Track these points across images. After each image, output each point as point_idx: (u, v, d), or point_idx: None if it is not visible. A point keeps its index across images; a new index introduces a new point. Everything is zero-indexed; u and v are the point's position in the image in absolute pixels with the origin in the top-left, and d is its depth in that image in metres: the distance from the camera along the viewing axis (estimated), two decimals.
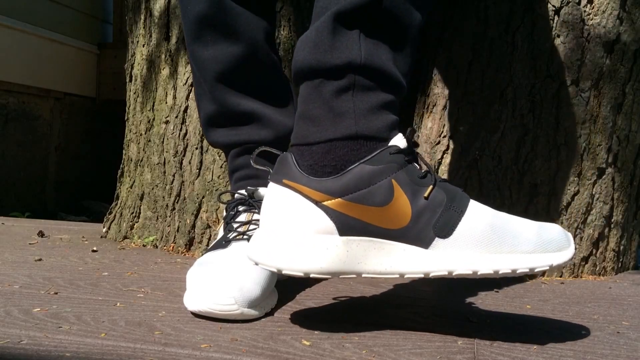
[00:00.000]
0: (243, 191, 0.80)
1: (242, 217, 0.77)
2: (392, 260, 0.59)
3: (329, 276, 0.59)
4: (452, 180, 0.95)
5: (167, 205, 1.13)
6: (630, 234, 1.05)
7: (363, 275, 0.60)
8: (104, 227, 1.30)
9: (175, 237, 1.11)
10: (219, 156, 1.06)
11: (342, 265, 0.59)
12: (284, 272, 0.59)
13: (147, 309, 0.69)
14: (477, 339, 0.61)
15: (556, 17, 0.93)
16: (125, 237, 1.22)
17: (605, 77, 0.95)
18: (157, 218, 1.17)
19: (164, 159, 1.15)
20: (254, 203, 0.78)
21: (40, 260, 0.97)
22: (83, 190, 2.91)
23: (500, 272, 0.58)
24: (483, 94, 0.95)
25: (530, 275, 0.95)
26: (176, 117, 1.12)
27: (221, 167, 1.06)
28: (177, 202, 1.11)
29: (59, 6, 2.76)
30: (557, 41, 0.93)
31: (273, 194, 0.61)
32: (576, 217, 0.97)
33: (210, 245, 0.79)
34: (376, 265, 0.59)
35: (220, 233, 0.79)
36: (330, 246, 0.59)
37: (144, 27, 1.21)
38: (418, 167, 0.62)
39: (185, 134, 1.11)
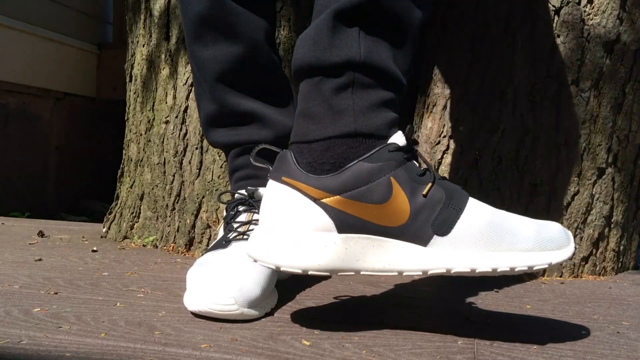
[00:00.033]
0: (243, 191, 0.80)
1: (242, 217, 0.77)
2: (391, 258, 0.59)
3: (328, 273, 0.59)
4: (452, 180, 0.95)
5: (167, 205, 1.13)
6: (630, 234, 1.05)
7: (362, 273, 0.60)
8: (104, 227, 1.30)
9: (175, 237, 1.11)
10: (219, 156, 1.06)
11: (340, 262, 0.59)
12: (282, 269, 0.59)
13: (147, 309, 0.69)
14: (477, 339, 0.61)
15: (556, 17, 0.93)
16: (125, 237, 1.22)
17: (605, 77, 0.95)
18: (157, 218, 1.17)
19: (164, 159, 1.15)
20: (254, 203, 0.78)
21: (40, 260, 0.97)
22: (83, 190, 2.90)
23: (498, 270, 0.58)
24: (483, 94, 0.95)
25: (530, 275, 0.95)
26: (176, 117, 1.12)
27: (221, 167, 1.06)
28: (177, 202, 1.11)
29: (59, 6, 2.76)
30: (557, 41, 0.93)
31: (272, 191, 0.61)
32: (576, 217, 0.97)
33: (210, 245, 0.79)
34: (375, 262, 0.59)
35: (220, 233, 0.79)
36: (329, 243, 0.59)
37: (144, 27, 1.21)
38: (417, 164, 0.62)
39: (185, 134, 1.11)
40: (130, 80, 1.28)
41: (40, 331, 0.59)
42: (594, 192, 0.97)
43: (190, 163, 1.10)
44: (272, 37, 0.83)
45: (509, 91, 0.94)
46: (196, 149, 1.09)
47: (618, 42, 0.94)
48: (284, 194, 0.60)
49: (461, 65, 0.96)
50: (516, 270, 0.58)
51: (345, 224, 0.59)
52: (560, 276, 0.97)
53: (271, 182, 0.62)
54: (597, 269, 0.99)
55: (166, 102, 1.14)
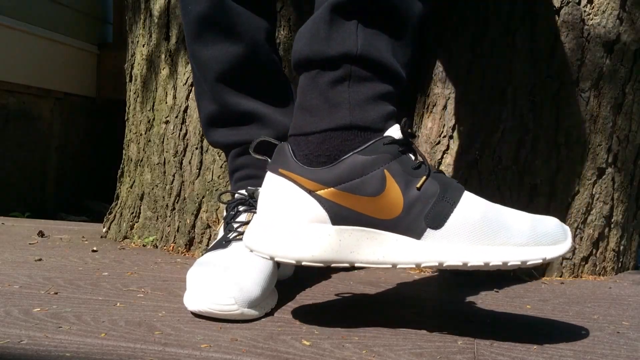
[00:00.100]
0: (243, 191, 0.80)
1: (243, 217, 0.77)
2: (385, 251, 0.59)
3: (322, 264, 0.60)
4: None
5: (167, 205, 1.13)
6: (630, 234, 1.05)
7: (356, 265, 0.60)
8: (104, 227, 1.30)
9: (175, 237, 1.11)
10: (219, 156, 1.06)
11: (334, 254, 0.59)
12: (276, 259, 0.60)
13: (147, 309, 0.69)
14: (477, 339, 0.60)
15: (556, 17, 0.93)
16: (125, 237, 1.22)
17: (605, 77, 0.95)
18: (157, 218, 1.17)
19: (164, 159, 1.15)
20: (254, 203, 0.78)
21: (40, 260, 0.97)
22: (83, 190, 2.90)
23: (491, 264, 0.58)
24: (483, 94, 0.95)
25: (530, 275, 0.95)
26: (176, 117, 1.12)
27: (221, 167, 1.06)
28: (177, 202, 1.11)
29: (59, 6, 2.76)
30: (557, 41, 0.93)
31: (269, 183, 0.62)
32: (576, 217, 0.97)
33: (210, 245, 0.79)
34: (369, 254, 0.60)
35: (220, 233, 0.79)
36: (323, 235, 0.59)
37: (143, 27, 1.21)
38: (413, 158, 0.62)
39: (185, 134, 1.11)
40: (130, 80, 1.28)
41: (40, 331, 0.59)
42: (594, 192, 0.97)
43: (190, 163, 1.10)
44: (273, 37, 0.83)
45: (509, 91, 0.94)
46: (196, 149, 1.09)
47: (618, 42, 0.94)
48: (280, 185, 0.61)
49: (461, 65, 0.96)
50: (509, 264, 0.58)
51: (339, 216, 0.60)
52: (560, 276, 0.97)
53: (269, 174, 0.63)
54: (597, 269, 0.99)
55: (166, 102, 1.14)
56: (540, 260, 0.58)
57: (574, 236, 0.97)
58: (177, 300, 0.72)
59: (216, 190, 1.06)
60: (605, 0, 0.93)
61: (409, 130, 0.62)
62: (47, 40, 2.65)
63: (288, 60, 1.02)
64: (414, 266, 0.59)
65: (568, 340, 0.61)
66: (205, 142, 1.07)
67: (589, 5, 0.93)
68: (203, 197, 1.08)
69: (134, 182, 1.24)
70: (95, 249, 1.11)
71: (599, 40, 0.93)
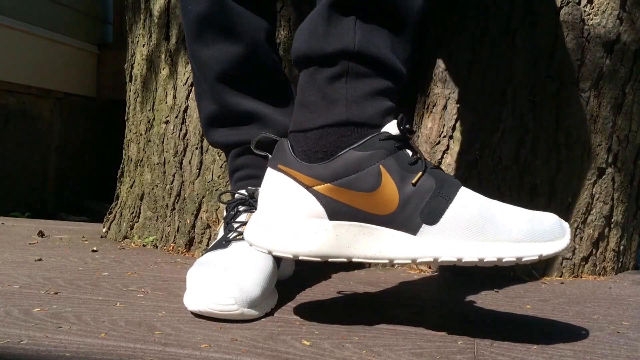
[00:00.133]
0: (243, 191, 0.80)
1: (243, 217, 0.77)
2: (381, 246, 0.60)
3: (319, 259, 0.60)
4: None
5: (167, 205, 1.13)
6: (630, 234, 1.05)
7: (353, 260, 0.61)
8: (104, 227, 1.30)
9: (175, 237, 1.11)
10: (219, 156, 1.06)
11: (331, 249, 0.60)
12: (274, 253, 0.61)
13: (147, 309, 0.69)
14: (477, 339, 0.60)
15: (556, 17, 0.93)
16: (125, 237, 1.22)
17: (605, 77, 0.95)
18: (157, 218, 1.17)
19: (164, 159, 1.15)
20: (254, 203, 0.78)
21: (40, 260, 0.97)
22: (83, 190, 2.91)
23: (485, 260, 0.57)
24: (483, 94, 0.95)
25: (530, 275, 0.95)
26: (176, 117, 1.12)
27: (221, 167, 1.06)
28: (177, 202, 1.11)
29: (59, 6, 2.76)
30: (557, 41, 0.93)
31: (269, 179, 0.63)
32: (576, 217, 0.97)
33: (210, 245, 0.79)
34: (366, 250, 0.60)
35: (221, 233, 0.79)
36: (320, 230, 0.60)
37: (143, 27, 1.21)
38: (410, 153, 0.62)
39: (185, 134, 1.11)
40: (130, 80, 1.28)
41: (40, 331, 0.59)
42: (594, 192, 0.97)
43: (190, 163, 1.10)
44: (273, 37, 0.83)
45: (509, 91, 0.94)
46: (196, 149, 1.09)
47: (618, 42, 0.94)
48: (279, 181, 0.62)
49: (461, 65, 0.96)
50: (504, 261, 0.57)
51: (336, 211, 0.60)
52: (560, 276, 0.97)
53: (268, 170, 0.64)
54: (597, 269, 0.99)
55: (166, 102, 1.14)
56: (536, 257, 0.57)
57: (574, 236, 0.97)
58: (177, 300, 0.72)
59: (216, 190, 1.06)
60: (605, 0, 0.93)
61: (407, 126, 0.62)
62: (47, 40, 2.65)
63: (288, 60, 1.02)
64: (409, 262, 0.60)
65: (568, 340, 0.61)
66: (205, 142, 1.07)
67: (589, 5, 0.93)
68: (203, 197, 1.08)
69: (134, 182, 1.24)
70: (95, 249, 1.11)
71: (599, 40, 0.93)
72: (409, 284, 0.88)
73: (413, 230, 0.59)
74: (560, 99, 0.94)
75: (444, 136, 0.97)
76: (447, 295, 0.82)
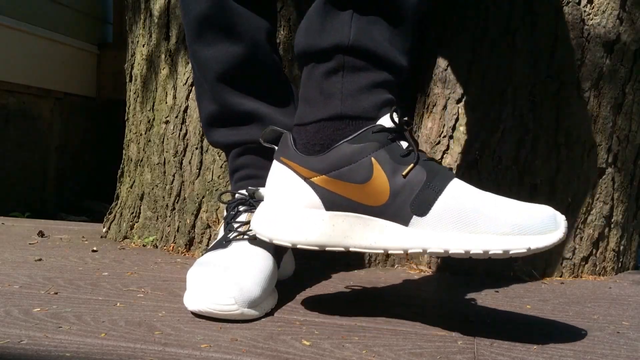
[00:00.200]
0: (244, 191, 0.80)
1: (243, 217, 0.77)
2: (376, 236, 0.61)
3: (317, 248, 0.62)
4: None
5: (167, 205, 1.13)
6: (630, 234, 1.05)
7: (350, 249, 0.62)
8: (104, 227, 1.30)
9: (175, 237, 1.11)
10: (219, 156, 1.06)
11: (328, 238, 0.62)
12: (274, 242, 0.64)
13: (147, 309, 0.69)
14: (477, 338, 0.61)
15: (556, 17, 0.93)
16: (125, 237, 1.22)
17: (605, 77, 0.95)
18: (157, 218, 1.17)
19: (164, 159, 1.15)
20: (254, 203, 0.78)
21: (40, 260, 0.97)
22: (83, 190, 2.91)
23: (471, 253, 0.57)
24: (483, 94, 0.95)
25: (530, 275, 0.95)
26: (176, 117, 1.12)
27: (221, 167, 1.06)
28: (177, 202, 1.11)
29: (59, 6, 2.76)
30: (557, 41, 0.93)
31: (273, 170, 0.66)
32: (576, 217, 0.97)
33: (211, 245, 0.79)
34: (361, 240, 0.62)
35: (221, 233, 0.79)
36: (317, 220, 0.62)
37: (143, 27, 1.21)
38: (405, 145, 0.62)
39: (185, 134, 1.11)
40: (130, 80, 1.28)
41: (40, 331, 0.59)
42: (594, 192, 0.97)
43: (190, 163, 1.10)
44: (273, 37, 0.83)
45: (509, 91, 0.94)
46: (196, 149, 1.09)
47: (618, 42, 0.94)
48: (280, 172, 0.65)
49: (461, 65, 0.96)
50: (490, 253, 0.56)
51: (332, 202, 0.62)
52: (560, 276, 0.97)
53: (274, 162, 0.67)
54: (597, 269, 0.99)
55: (166, 102, 1.14)
56: (524, 250, 0.56)
57: (574, 236, 0.97)
58: (177, 300, 0.72)
59: (216, 190, 1.06)
60: (605, 0, 0.93)
61: (404, 118, 0.62)
62: (47, 40, 2.65)
63: (288, 60, 1.02)
64: (401, 252, 0.61)
65: (568, 340, 0.61)
66: (205, 142, 1.07)
67: (589, 5, 0.93)
68: (203, 197, 1.08)
69: (134, 182, 1.24)
70: (95, 249, 1.11)
71: (599, 40, 0.93)
72: (409, 284, 0.88)
73: (405, 221, 0.60)
74: (560, 99, 0.94)
75: (444, 136, 0.97)
76: (447, 295, 0.82)
